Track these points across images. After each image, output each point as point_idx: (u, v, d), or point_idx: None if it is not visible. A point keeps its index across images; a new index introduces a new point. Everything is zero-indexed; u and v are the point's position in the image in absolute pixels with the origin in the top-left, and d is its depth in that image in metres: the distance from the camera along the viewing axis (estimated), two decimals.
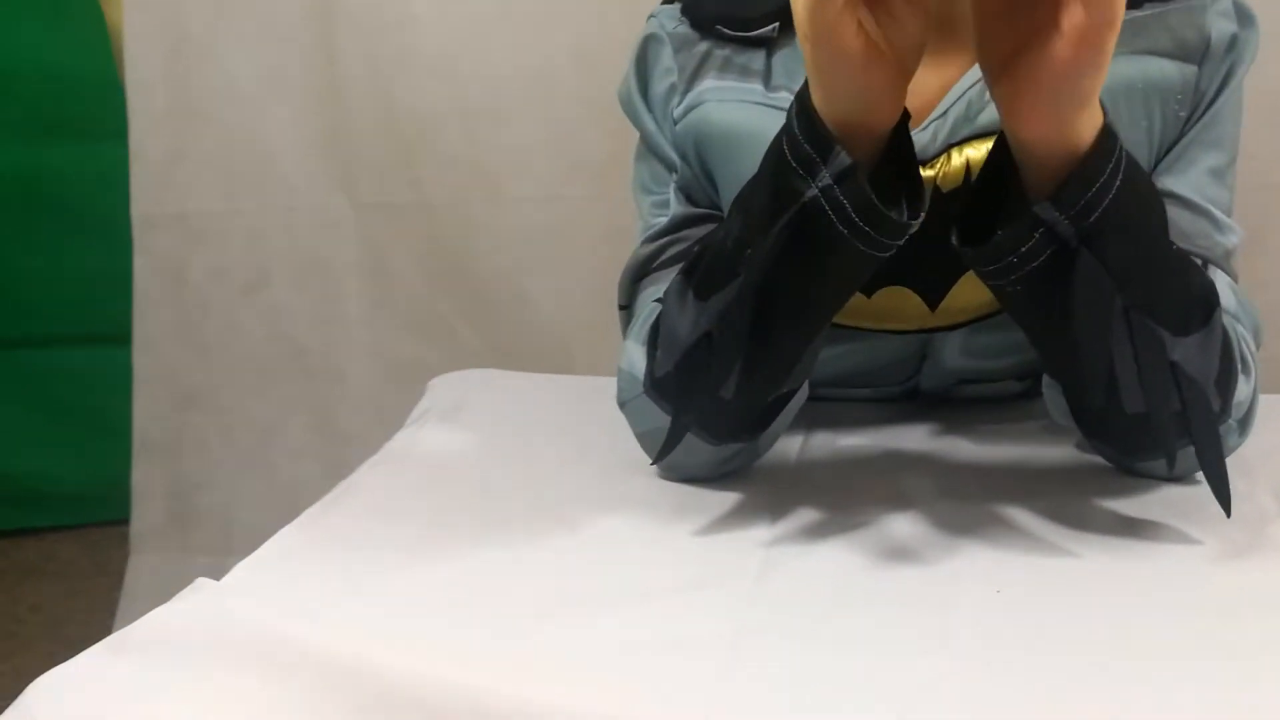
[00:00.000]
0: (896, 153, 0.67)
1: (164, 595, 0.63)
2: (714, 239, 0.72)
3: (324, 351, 1.56)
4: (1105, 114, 0.63)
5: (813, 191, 0.63)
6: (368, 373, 1.56)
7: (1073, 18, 0.57)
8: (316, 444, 1.58)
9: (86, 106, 1.72)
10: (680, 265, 0.76)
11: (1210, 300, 0.71)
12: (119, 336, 1.60)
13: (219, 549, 1.59)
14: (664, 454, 0.75)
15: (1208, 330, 0.69)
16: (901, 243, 0.65)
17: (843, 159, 0.62)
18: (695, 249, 0.79)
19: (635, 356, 0.79)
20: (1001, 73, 0.62)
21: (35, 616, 1.71)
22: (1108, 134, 0.63)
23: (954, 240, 0.67)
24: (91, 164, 1.71)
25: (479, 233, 1.48)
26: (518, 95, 1.44)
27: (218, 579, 0.65)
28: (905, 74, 0.63)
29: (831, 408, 0.90)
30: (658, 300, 0.79)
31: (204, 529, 1.60)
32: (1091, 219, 0.62)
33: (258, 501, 1.58)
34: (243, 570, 0.68)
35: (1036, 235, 0.63)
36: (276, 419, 1.58)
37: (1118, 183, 0.63)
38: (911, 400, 0.92)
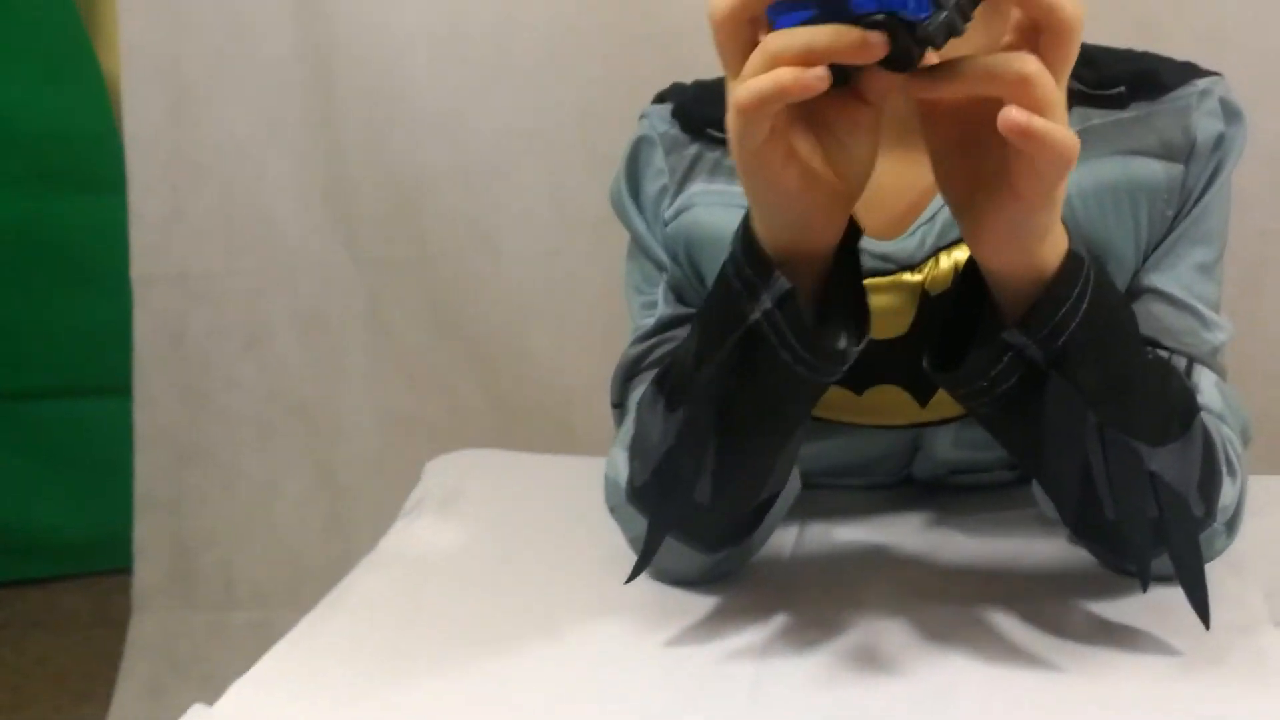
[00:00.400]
0: (848, 270, 0.67)
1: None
2: (680, 350, 0.73)
3: (324, 406, 1.56)
4: (1070, 237, 0.63)
5: (755, 315, 0.63)
6: (369, 427, 1.56)
7: (1021, 160, 0.57)
8: (318, 499, 1.58)
9: (85, 158, 1.74)
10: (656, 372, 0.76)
11: (1190, 407, 0.71)
12: (119, 388, 1.60)
13: (221, 604, 1.59)
14: (640, 567, 0.74)
15: (1187, 437, 0.69)
16: (843, 369, 0.65)
17: (781, 284, 0.62)
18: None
19: (619, 463, 0.79)
20: (964, 206, 0.62)
21: (40, 670, 1.72)
22: (1073, 257, 0.63)
23: (925, 364, 0.67)
24: (91, 216, 1.73)
25: (479, 288, 1.48)
26: (518, 152, 1.44)
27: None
28: (848, 197, 0.62)
29: (826, 497, 0.90)
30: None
31: (206, 585, 1.60)
32: (1059, 342, 0.63)
33: (260, 557, 1.59)
34: (237, 692, 0.68)
35: (1005, 359, 0.63)
36: (277, 474, 1.58)
37: (1085, 305, 0.63)
38: (906, 486, 0.93)
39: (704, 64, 1.30)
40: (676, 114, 0.85)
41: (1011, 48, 0.56)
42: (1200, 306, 0.79)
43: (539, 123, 1.43)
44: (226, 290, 1.54)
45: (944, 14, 0.52)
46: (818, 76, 0.54)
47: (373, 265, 1.51)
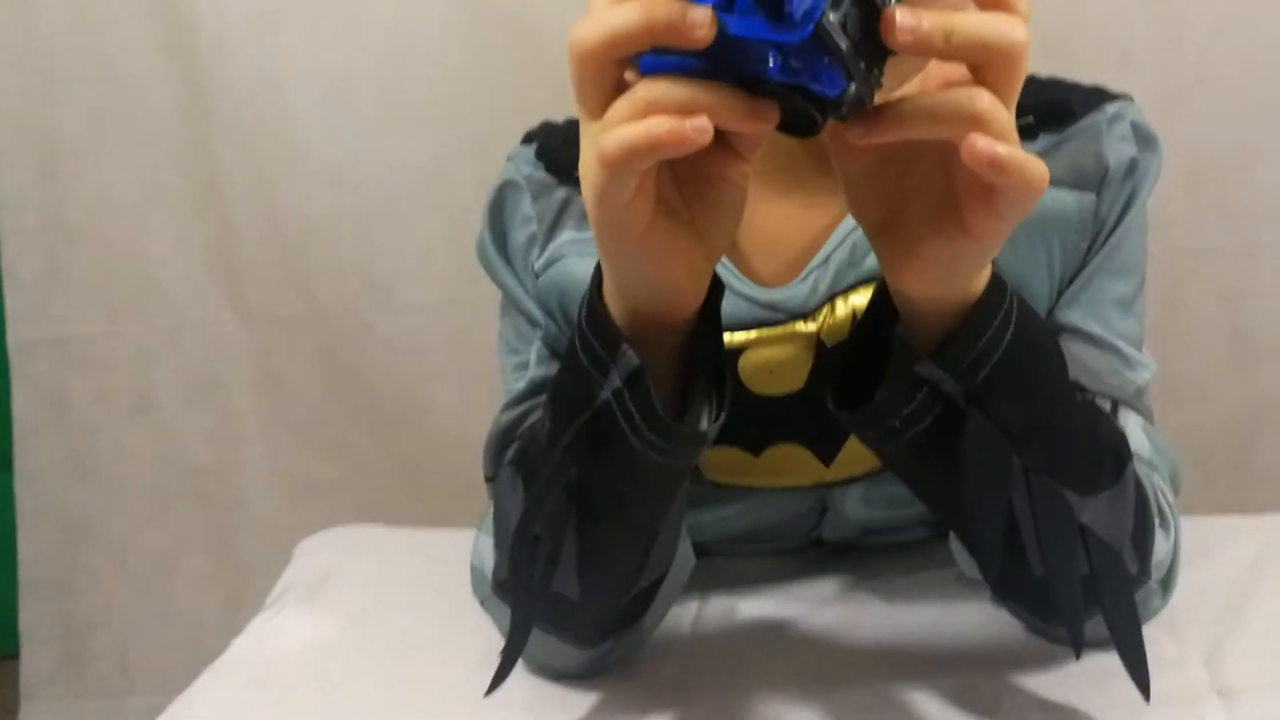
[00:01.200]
0: (711, 333, 0.60)
1: None
2: (537, 425, 0.65)
3: (219, 473, 1.49)
4: (994, 263, 0.57)
5: (604, 395, 0.56)
6: (267, 493, 1.49)
7: (975, 194, 0.50)
8: (217, 573, 1.50)
9: None
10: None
11: (1121, 453, 0.65)
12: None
13: (117, 690, 1.52)
14: (501, 673, 0.66)
15: (1119, 487, 0.63)
16: (701, 451, 0.59)
17: (629, 360, 0.55)
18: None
19: (485, 552, 0.72)
20: (882, 229, 0.55)
21: None
22: (996, 284, 0.56)
23: (829, 404, 0.60)
24: None
25: (376, 342, 1.42)
26: (410, 196, 1.39)
27: None
28: (711, 258, 0.55)
29: (728, 565, 0.83)
30: None
31: (99, 670, 1.52)
32: (980, 376, 0.56)
33: (156, 638, 1.51)
34: None
35: (919, 396, 0.56)
36: (173, 548, 1.50)
37: (1008, 336, 0.56)
38: (815, 549, 0.85)
39: None
40: (541, 155, 0.78)
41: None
42: (1122, 344, 0.73)
43: (432, 163, 1.37)
44: (109, 353, 1.48)
45: (854, 86, 0.45)
46: (698, 129, 0.45)
47: (262, 322, 1.44)
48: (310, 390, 1.44)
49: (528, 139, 0.82)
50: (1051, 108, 0.72)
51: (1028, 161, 0.47)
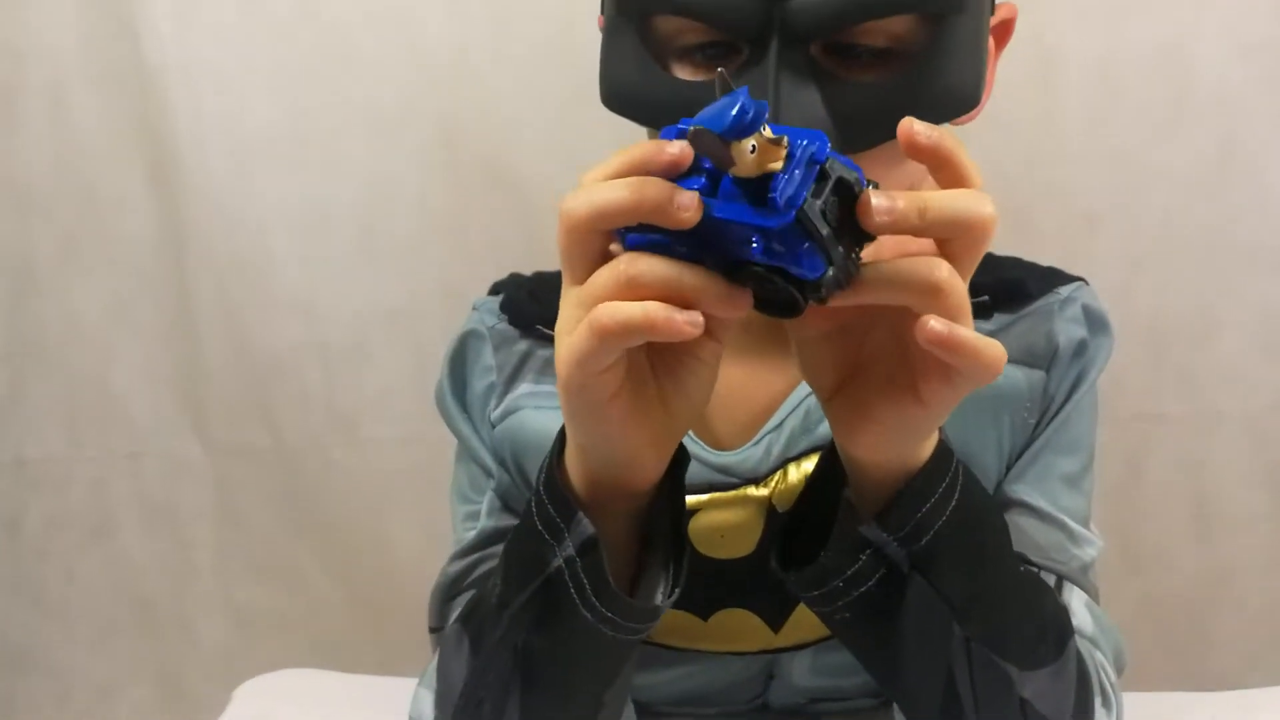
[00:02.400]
0: (671, 503, 0.60)
1: None
2: (488, 584, 0.65)
3: (171, 604, 1.47)
4: (941, 430, 0.57)
5: (556, 563, 0.56)
6: (218, 626, 1.47)
7: (930, 367, 0.51)
8: (161, 706, 1.47)
9: None
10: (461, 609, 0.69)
11: (1064, 629, 0.65)
12: None
13: None
14: None
15: (1061, 663, 0.64)
16: (653, 625, 0.59)
17: (584, 528, 0.56)
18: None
19: (424, 707, 0.71)
20: (835, 393, 0.56)
21: None
22: (943, 451, 0.57)
23: (773, 563, 0.60)
24: None
25: (336, 475, 1.42)
26: (379, 334, 1.40)
27: None
28: (676, 431, 0.56)
29: None
30: None
31: None
32: (923, 542, 0.57)
33: None
34: None
35: (863, 558, 0.57)
36: (118, 680, 1.47)
37: (953, 503, 0.57)
38: (762, 715, 0.84)
39: None
40: (506, 307, 0.80)
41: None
42: (1068, 520, 0.74)
43: (402, 302, 1.38)
44: (67, 477, 1.46)
45: (833, 270, 0.47)
46: (693, 323, 0.48)
47: (225, 452, 1.44)
48: (268, 522, 1.43)
49: (495, 289, 0.84)
50: (1007, 288, 0.75)
51: (982, 343, 0.49)
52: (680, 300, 0.48)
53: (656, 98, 0.64)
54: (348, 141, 1.37)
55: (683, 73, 0.65)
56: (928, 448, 0.57)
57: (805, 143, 0.47)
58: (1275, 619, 1.33)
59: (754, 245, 0.47)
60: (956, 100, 0.65)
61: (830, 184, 0.47)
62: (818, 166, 0.47)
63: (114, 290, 1.43)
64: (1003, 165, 1.29)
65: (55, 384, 1.45)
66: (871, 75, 0.63)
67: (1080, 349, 0.74)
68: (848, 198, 0.47)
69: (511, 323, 0.79)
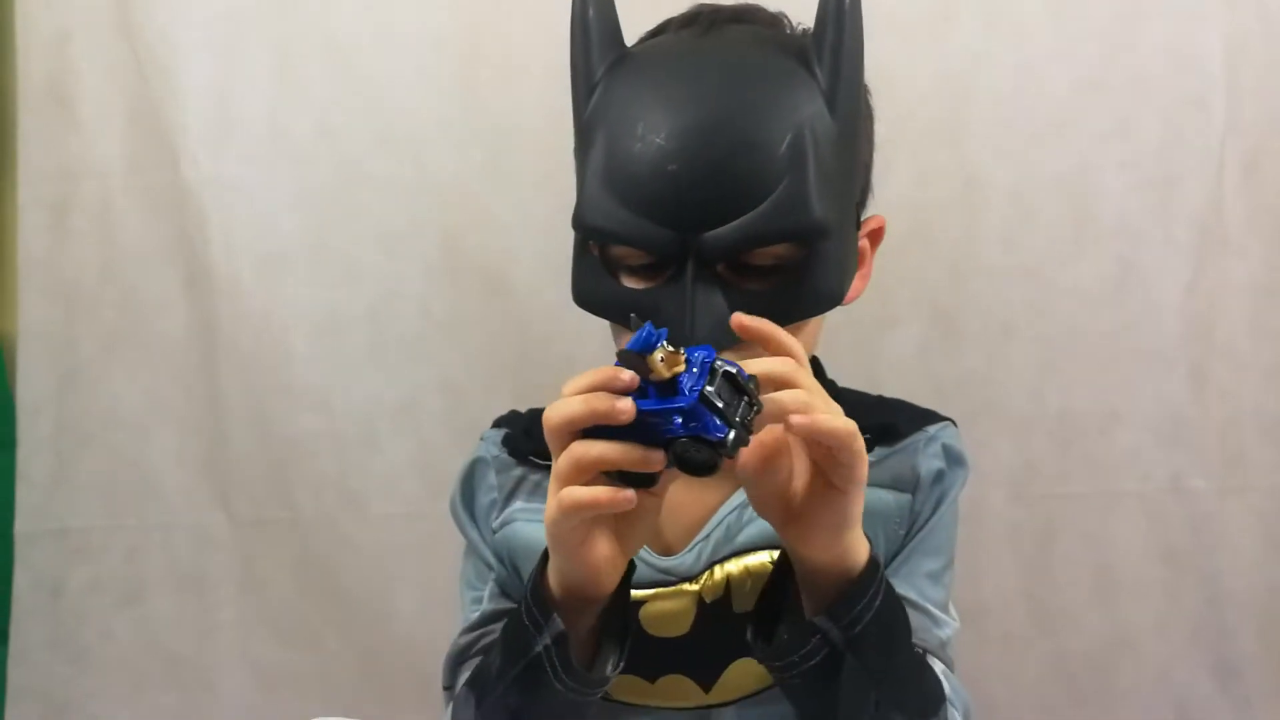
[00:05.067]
0: (620, 605, 0.81)
1: None
2: (490, 656, 0.85)
3: (197, 661, 1.60)
4: (872, 546, 0.78)
5: (538, 648, 0.77)
6: (240, 682, 1.60)
7: (827, 459, 0.72)
8: None
9: None
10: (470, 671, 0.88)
11: (940, 693, 0.85)
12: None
13: None
14: None
15: (940, 715, 0.84)
16: (606, 688, 0.79)
17: (556, 625, 0.76)
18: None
19: None
20: (787, 521, 0.76)
21: None
22: (874, 562, 0.78)
23: (749, 637, 0.80)
24: None
25: (348, 547, 1.56)
26: (386, 423, 1.55)
27: None
28: (626, 557, 0.77)
29: None
30: None
31: None
32: (857, 629, 0.76)
33: None
34: None
35: (813, 640, 0.76)
36: None
37: (879, 600, 0.77)
38: None
39: (556, 354, 1.46)
40: (506, 441, 1.00)
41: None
42: (931, 607, 0.93)
43: (407, 396, 1.55)
44: (106, 546, 1.60)
45: (734, 432, 0.68)
46: (628, 499, 0.70)
47: (248, 526, 1.58)
48: (286, 588, 1.57)
49: (498, 424, 1.04)
50: (884, 428, 0.95)
51: (838, 421, 0.70)
52: (614, 465, 0.69)
53: (610, 300, 0.87)
54: (360, 253, 1.54)
55: (630, 282, 0.87)
56: (863, 553, 0.77)
57: (700, 354, 0.69)
58: (1171, 675, 1.49)
59: (676, 422, 0.68)
60: (824, 299, 0.87)
61: (720, 375, 0.68)
62: (708, 365, 0.68)
63: (151, 381, 1.58)
64: (930, 278, 1.47)
65: (97, 463, 1.59)
66: (762, 284, 0.84)
67: (939, 477, 0.95)
68: (735, 385, 0.68)
69: (510, 453, 0.99)
